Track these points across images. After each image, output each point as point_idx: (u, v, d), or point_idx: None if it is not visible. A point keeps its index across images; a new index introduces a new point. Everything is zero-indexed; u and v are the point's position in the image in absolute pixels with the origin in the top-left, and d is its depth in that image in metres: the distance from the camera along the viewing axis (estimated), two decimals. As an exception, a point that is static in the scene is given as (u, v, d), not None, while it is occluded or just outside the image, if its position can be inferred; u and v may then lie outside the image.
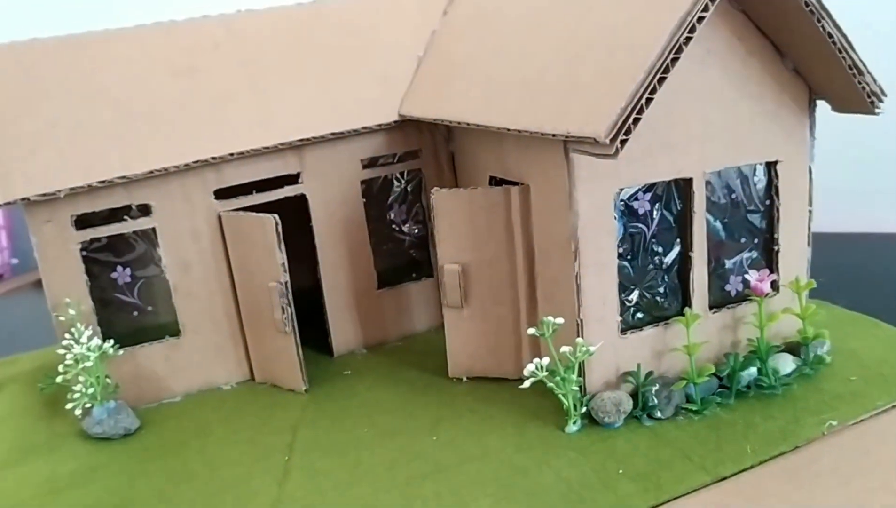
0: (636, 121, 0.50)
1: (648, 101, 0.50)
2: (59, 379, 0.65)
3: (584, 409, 0.59)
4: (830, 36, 0.55)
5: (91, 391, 0.66)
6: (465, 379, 0.69)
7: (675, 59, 0.50)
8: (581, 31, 0.58)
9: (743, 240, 0.63)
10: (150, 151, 0.68)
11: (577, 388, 0.58)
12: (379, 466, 0.58)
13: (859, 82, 0.57)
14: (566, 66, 0.57)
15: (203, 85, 0.72)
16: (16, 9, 1.25)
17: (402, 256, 0.80)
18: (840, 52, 0.55)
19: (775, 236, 0.63)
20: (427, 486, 0.54)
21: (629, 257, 0.60)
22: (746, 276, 0.61)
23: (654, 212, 0.60)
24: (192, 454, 0.63)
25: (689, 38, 0.50)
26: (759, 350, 0.61)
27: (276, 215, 0.66)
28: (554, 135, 0.54)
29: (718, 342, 0.63)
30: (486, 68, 0.67)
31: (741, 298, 0.63)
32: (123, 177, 0.66)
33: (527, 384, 0.57)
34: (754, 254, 0.64)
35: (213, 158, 0.68)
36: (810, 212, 0.64)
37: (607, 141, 0.49)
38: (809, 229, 0.64)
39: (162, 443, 0.65)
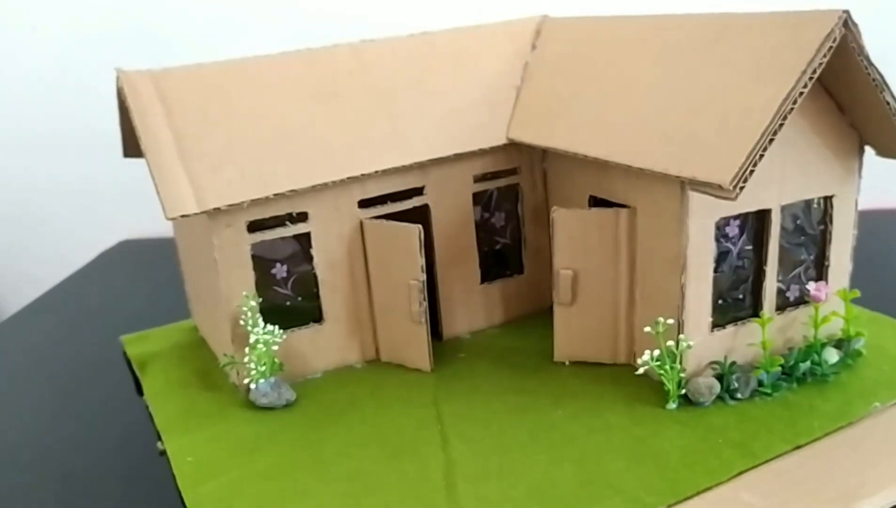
0: (751, 172, 0.64)
1: (761, 156, 0.65)
2: (245, 359, 0.77)
3: (682, 391, 0.74)
4: (888, 103, 0.70)
5: (262, 368, 0.78)
6: (567, 363, 0.83)
7: (781, 125, 0.65)
8: (693, 89, 0.72)
9: (802, 256, 0.79)
10: (310, 167, 0.80)
11: (681, 375, 0.73)
12: (522, 436, 0.72)
13: (908, 139, 0.73)
14: (684, 118, 0.71)
15: (344, 108, 0.84)
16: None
17: (500, 256, 0.93)
18: (894, 114, 0.71)
19: (827, 253, 0.79)
20: (568, 452, 0.69)
21: (719, 269, 0.75)
22: (806, 286, 0.76)
23: (741, 235, 0.75)
24: (354, 423, 0.76)
25: (792, 108, 0.65)
26: (815, 345, 0.77)
27: (420, 226, 0.80)
28: (678, 176, 0.68)
29: (782, 337, 0.78)
30: (594, 106, 0.81)
31: (797, 302, 0.79)
32: (292, 190, 0.78)
33: (641, 370, 0.72)
34: (810, 267, 0.80)
35: (363, 174, 0.81)
36: (854, 235, 0.80)
37: (731, 187, 0.64)
38: (853, 249, 0.80)
39: (323, 413, 0.78)
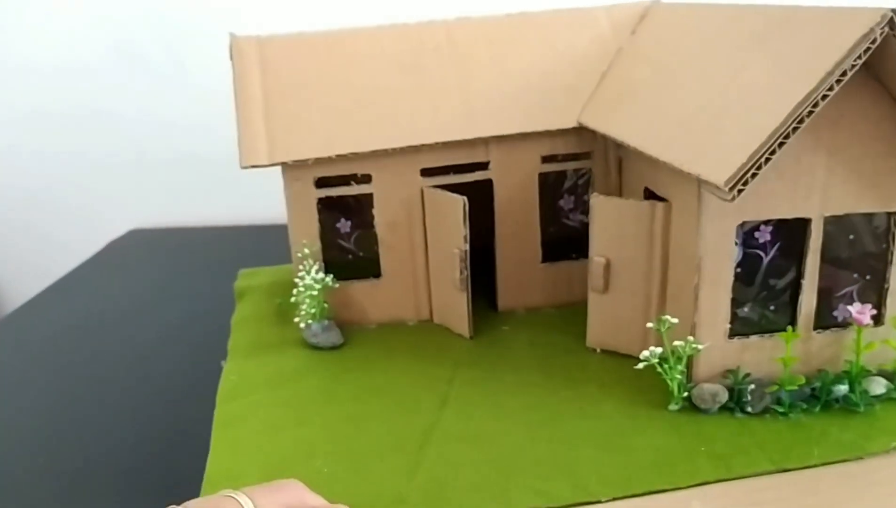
0: (754, 175, 0.61)
1: (767, 160, 0.61)
2: (291, 299, 0.86)
3: (685, 394, 0.72)
4: (952, 115, 0.63)
5: (313, 311, 0.87)
6: (598, 350, 0.83)
7: (795, 128, 0.61)
8: (733, 85, 0.69)
9: (855, 275, 0.73)
10: (375, 134, 0.86)
11: (681, 376, 0.71)
12: (517, 408, 0.74)
13: (978, 156, 0.64)
14: (714, 113, 0.68)
15: (423, 81, 0.90)
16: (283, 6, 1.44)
17: (566, 238, 0.94)
18: (961, 129, 0.63)
19: (887, 275, 0.72)
20: (547, 430, 0.70)
21: (746, 276, 0.71)
22: (849, 307, 0.70)
23: (774, 242, 0.71)
24: (379, 371, 0.83)
25: (811, 112, 0.61)
26: (852, 371, 0.71)
27: (465, 197, 0.83)
28: (689, 173, 0.66)
29: (819, 357, 0.73)
30: (652, 96, 0.79)
31: (846, 323, 0.73)
32: (353, 153, 0.85)
33: (641, 365, 0.71)
34: (867, 289, 0.73)
35: (423, 144, 0.86)
36: (925, 259, 0.72)
37: (726, 189, 0.61)
38: (922, 273, 0.72)
39: (358, 358, 0.86)
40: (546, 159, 0.90)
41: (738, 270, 0.71)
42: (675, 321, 0.71)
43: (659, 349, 0.71)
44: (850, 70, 0.60)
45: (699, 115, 0.70)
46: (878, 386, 0.72)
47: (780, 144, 0.61)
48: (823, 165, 0.67)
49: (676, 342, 0.71)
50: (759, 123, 0.62)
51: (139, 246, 1.49)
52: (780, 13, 0.71)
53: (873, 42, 0.60)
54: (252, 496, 0.53)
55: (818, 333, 0.73)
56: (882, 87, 0.66)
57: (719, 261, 0.69)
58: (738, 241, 0.70)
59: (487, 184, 0.90)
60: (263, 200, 1.25)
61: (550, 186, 0.92)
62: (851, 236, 0.72)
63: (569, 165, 0.91)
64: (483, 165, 0.89)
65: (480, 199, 0.90)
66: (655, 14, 0.93)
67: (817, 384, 0.71)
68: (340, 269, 0.91)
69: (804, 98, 0.60)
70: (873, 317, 0.70)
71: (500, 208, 0.91)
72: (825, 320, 0.73)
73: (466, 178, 0.89)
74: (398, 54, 0.91)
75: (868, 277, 0.73)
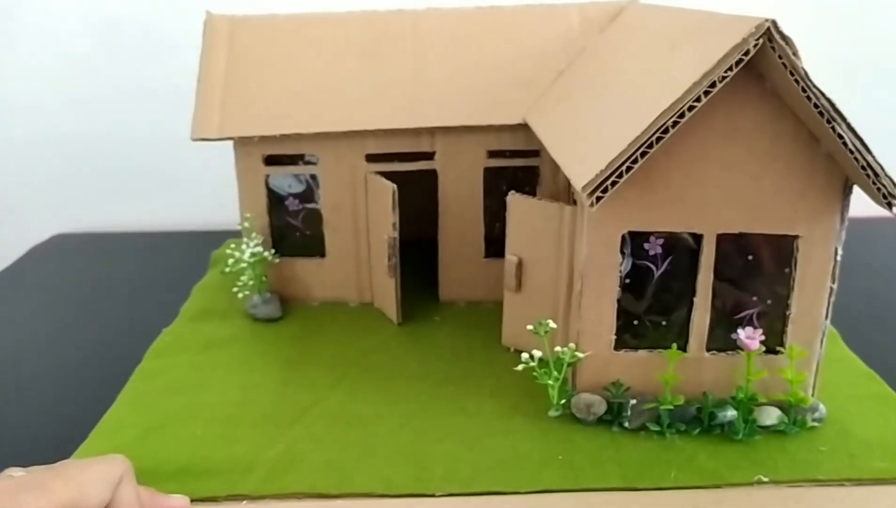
0: (614, 183, 0.60)
1: (629, 168, 0.59)
2: (226, 270, 0.90)
3: (563, 401, 0.71)
4: (841, 137, 0.59)
5: (251, 283, 0.91)
6: (511, 350, 0.83)
7: (659, 138, 0.59)
8: (632, 91, 0.67)
9: (755, 298, 0.69)
10: (323, 116, 0.88)
11: (555, 382, 0.70)
12: (403, 397, 0.75)
13: (873, 183, 0.60)
14: (607, 118, 0.67)
15: (380, 68, 0.91)
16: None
17: (512, 235, 0.94)
18: (851, 153, 0.59)
19: (789, 301, 0.68)
20: (419, 422, 0.71)
21: (635, 289, 0.69)
22: (739, 330, 0.67)
23: (665, 256, 0.68)
24: (299, 346, 0.85)
25: (676, 123, 0.58)
26: (738, 397, 0.68)
27: (395, 185, 0.84)
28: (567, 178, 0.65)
29: (711, 380, 0.70)
30: (582, 97, 0.78)
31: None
32: (299, 134, 0.88)
33: (520, 367, 0.71)
34: (767, 313, 0.69)
35: (366, 130, 0.88)
36: (832, 289, 0.67)
37: (584, 195, 0.60)
38: (829, 303, 0.68)
39: (288, 333, 0.88)
40: (493, 154, 0.90)
41: (627, 281, 0.69)
42: (554, 325, 0.70)
43: (539, 353, 0.70)
44: (721, 81, 0.58)
45: (598, 119, 0.69)
46: (770, 417, 0.68)
47: (643, 154, 0.59)
48: (716, 181, 0.65)
49: (557, 348, 0.70)
50: (627, 131, 0.60)
51: (65, 252, 1.29)
52: (697, 19, 0.68)
53: (746, 53, 0.57)
54: (43, 478, 0.50)
55: (711, 355, 0.70)
56: (783, 102, 0.63)
57: (603, 270, 0.68)
58: (626, 251, 0.68)
59: (432, 175, 0.90)
60: (198, 205, 1.28)
61: (495, 182, 0.91)
62: (750, 257, 0.68)
63: (516, 162, 0.91)
64: (429, 156, 0.90)
65: (435, 189, 0.91)
66: (627, 14, 0.91)
67: (697, 406, 0.68)
68: (290, 246, 0.94)
69: (668, 108, 0.58)
70: (763, 343, 0.67)
71: (444, 200, 0.91)
72: (721, 342, 0.70)
73: (410, 166, 0.90)
74: (360, 40, 0.92)
75: (769, 302, 0.69)
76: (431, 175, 0.91)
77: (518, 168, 0.91)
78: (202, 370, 0.81)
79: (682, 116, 0.58)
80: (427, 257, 0.95)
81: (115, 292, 1.09)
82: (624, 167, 0.59)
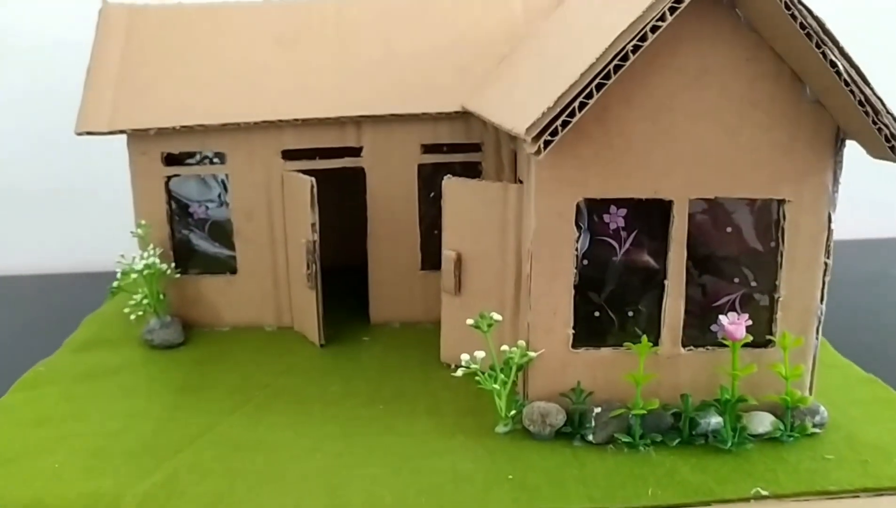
0: (565, 123, 0.49)
1: (582, 105, 0.49)
2: (114, 284, 0.76)
3: (513, 413, 0.58)
4: (834, 65, 0.49)
5: (146, 302, 0.77)
6: (452, 366, 0.70)
7: (618, 67, 0.48)
8: (581, 40, 0.58)
9: (737, 280, 0.58)
10: (231, 107, 0.77)
11: (502, 388, 0.57)
12: (320, 420, 0.62)
13: (874, 122, 0.50)
14: (551, 71, 0.57)
15: (299, 56, 0.81)
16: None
17: (452, 243, 0.82)
18: (847, 85, 0.49)
19: (776, 282, 0.57)
20: (338, 445, 0.58)
21: (596, 271, 0.58)
22: (721, 317, 0.56)
23: (629, 230, 0.57)
24: (198, 374, 0.72)
25: (637, 47, 0.48)
26: (723, 399, 0.56)
27: (313, 178, 0.73)
28: (511, 135, 0.54)
29: (690, 380, 0.58)
30: (521, 69, 0.68)
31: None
32: (201, 125, 0.76)
33: (459, 372, 0.58)
34: (751, 297, 0.58)
35: (280, 120, 0.76)
36: (827, 264, 0.57)
37: (528, 138, 0.49)
38: (825, 284, 0.57)
39: (187, 360, 0.75)
40: (428, 149, 0.79)
41: (585, 262, 0.58)
42: (499, 317, 0.58)
43: (482, 354, 0.57)
44: (679, 6, 0.48)
45: (542, 76, 0.59)
46: (762, 423, 0.56)
47: (599, 87, 0.49)
48: (685, 134, 0.54)
49: (504, 347, 0.57)
50: (578, 68, 0.50)
51: None
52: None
53: (717, -36, 0.47)
54: None
55: (689, 351, 0.58)
56: (760, 37, 0.53)
57: (556, 247, 0.56)
58: (582, 224, 0.57)
59: (359, 173, 0.79)
60: (89, 243, 1.12)
61: (432, 182, 0.80)
62: (729, 229, 0.57)
63: (455, 157, 0.80)
64: (355, 151, 0.79)
65: (363, 193, 0.80)
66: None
67: (674, 412, 0.56)
68: (194, 261, 0.81)
69: (621, 34, 0.48)
70: (750, 333, 0.55)
71: (373, 202, 0.79)
72: (699, 335, 0.58)
73: (334, 164, 0.79)
74: (279, 29, 0.82)
75: (753, 283, 0.58)
76: (359, 176, 0.79)
77: (457, 164, 0.80)
78: (76, 401, 0.67)
79: (644, 38, 0.48)
80: (358, 283, 0.83)
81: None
82: (576, 103, 0.49)
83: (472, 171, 0.80)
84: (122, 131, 0.76)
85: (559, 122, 0.49)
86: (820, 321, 0.58)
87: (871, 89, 0.50)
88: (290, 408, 0.64)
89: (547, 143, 0.49)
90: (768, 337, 0.57)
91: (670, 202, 0.56)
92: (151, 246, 0.77)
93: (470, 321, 0.59)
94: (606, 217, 0.57)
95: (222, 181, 0.80)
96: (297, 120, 0.76)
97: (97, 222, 1.09)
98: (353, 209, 0.82)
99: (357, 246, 0.81)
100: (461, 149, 0.80)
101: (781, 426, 0.56)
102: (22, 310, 1.01)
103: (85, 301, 0.94)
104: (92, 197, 1.12)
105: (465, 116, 0.77)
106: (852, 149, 0.55)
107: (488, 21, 0.83)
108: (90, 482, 0.54)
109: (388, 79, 0.79)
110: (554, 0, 0.84)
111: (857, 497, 0.51)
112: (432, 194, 0.80)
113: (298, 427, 0.61)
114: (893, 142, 0.51)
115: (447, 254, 0.68)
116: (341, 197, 0.84)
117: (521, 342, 0.57)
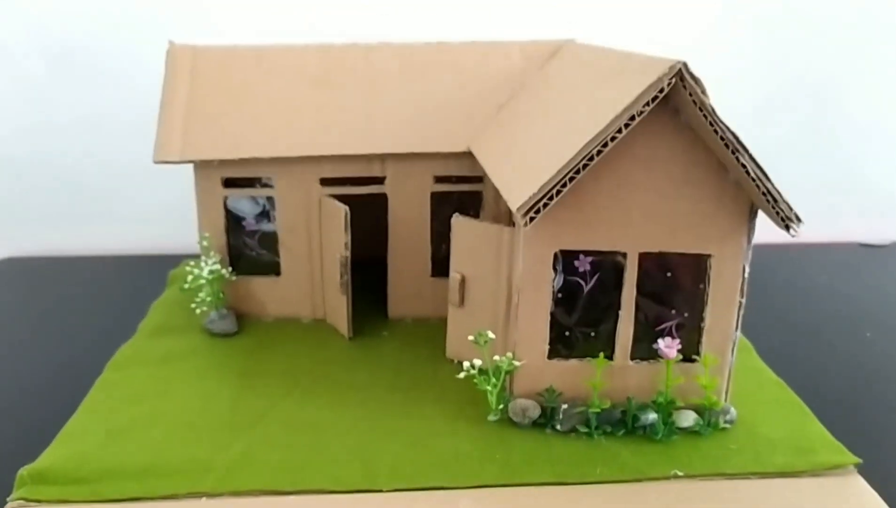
0: (545, 204, 0.67)
1: (558, 192, 0.66)
2: (185, 286, 0.95)
3: (501, 407, 0.77)
4: (744, 166, 0.67)
5: (209, 299, 0.95)
6: (455, 361, 0.89)
7: (585, 165, 0.66)
8: (565, 122, 0.75)
9: (673, 311, 0.77)
10: (279, 141, 0.94)
11: (493, 389, 0.76)
12: (353, 403, 0.80)
13: (773, 207, 0.68)
14: (541, 147, 0.74)
15: (332, 97, 0.97)
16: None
17: (457, 255, 1.00)
18: (753, 180, 0.67)
19: (703, 314, 0.76)
20: (367, 424, 0.76)
21: (567, 302, 0.76)
22: (660, 340, 0.74)
23: (593, 273, 0.75)
24: (254, 359, 0.89)
25: (600, 151, 0.66)
26: (658, 401, 0.75)
27: (347, 207, 0.90)
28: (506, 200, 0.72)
29: (635, 386, 0.77)
30: (519, 128, 0.85)
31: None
32: (256, 158, 0.93)
33: (461, 375, 0.77)
34: (684, 325, 0.77)
35: (321, 155, 0.94)
36: (741, 302, 0.75)
37: (519, 215, 0.67)
38: (739, 316, 0.75)
39: (244, 346, 0.93)
40: (439, 180, 0.97)
41: (560, 296, 0.76)
42: (493, 336, 0.76)
43: (479, 362, 0.76)
44: (639, 115, 0.65)
45: (533, 148, 0.76)
46: (687, 419, 0.75)
47: (571, 179, 0.66)
48: (638, 204, 0.72)
49: (496, 357, 0.76)
50: (558, 159, 0.67)
51: (14, 276, 1.30)
52: (622, 59, 0.75)
53: (661, 91, 0.64)
54: None
55: (635, 363, 0.77)
56: (696, 134, 0.70)
57: (537, 285, 0.74)
58: (558, 268, 0.75)
59: (383, 198, 0.97)
60: (149, 228, 1.32)
61: (442, 206, 0.98)
62: (669, 274, 0.76)
63: (461, 187, 0.97)
64: (379, 180, 0.96)
65: (385, 212, 0.97)
66: (564, 52, 0.99)
67: (621, 409, 0.75)
68: (245, 264, 0.99)
69: (593, 138, 0.65)
70: (681, 352, 0.74)
71: (393, 222, 0.97)
72: (644, 351, 0.77)
73: (362, 190, 0.96)
74: (315, 71, 0.99)
75: (686, 314, 0.77)
76: (382, 199, 0.97)
77: (463, 193, 0.97)
78: (161, 381, 0.85)
79: (605, 144, 0.66)
80: (377, 276, 1.01)
81: (70, 312, 1.12)
82: (555, 190, 0.66)
83: (475, 198, 0.98)
84: (191, 161, 0.94)
85: (541, 203, 0.66)
86: (734, 344, 0.76)
87: (772, 183, 0.67)
88: (329, 392, 0.83)
89: (532, 218, 0.67)
90: (694, 356, 0.76)
91: (625, 254, 0.74)
92: (213, 253, 0.95)
93: (471, 338, 0.77)
94: (576, 262, 0.75)
95: (270, 200, 0.98)
96: (333, 156, 0.94)
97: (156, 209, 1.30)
98: (375, 215, 0.98)
99: (376, 245, 0.98)
100: (466, 180, 0.97)
101: (701, 422, 0.75)
102: (97, 291, 1.22)
103: (147, 285, 1.13)
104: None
105: (470, 154, 0.94)
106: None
107: (490, 69, 0.99)
108: (187, 449, 0.73)
109: (407, 121, 0.95)
110: (550, 48, 1.01)
111: (748, 479, 0.70)
112: (442, 216, 0.97)
113: (337, 409, 0.79)
114: (787, 222, 0.69)
115: (454, 275, 0.86)
116: (366, 205, 1.00)
117: (509, 354, 0.76)
